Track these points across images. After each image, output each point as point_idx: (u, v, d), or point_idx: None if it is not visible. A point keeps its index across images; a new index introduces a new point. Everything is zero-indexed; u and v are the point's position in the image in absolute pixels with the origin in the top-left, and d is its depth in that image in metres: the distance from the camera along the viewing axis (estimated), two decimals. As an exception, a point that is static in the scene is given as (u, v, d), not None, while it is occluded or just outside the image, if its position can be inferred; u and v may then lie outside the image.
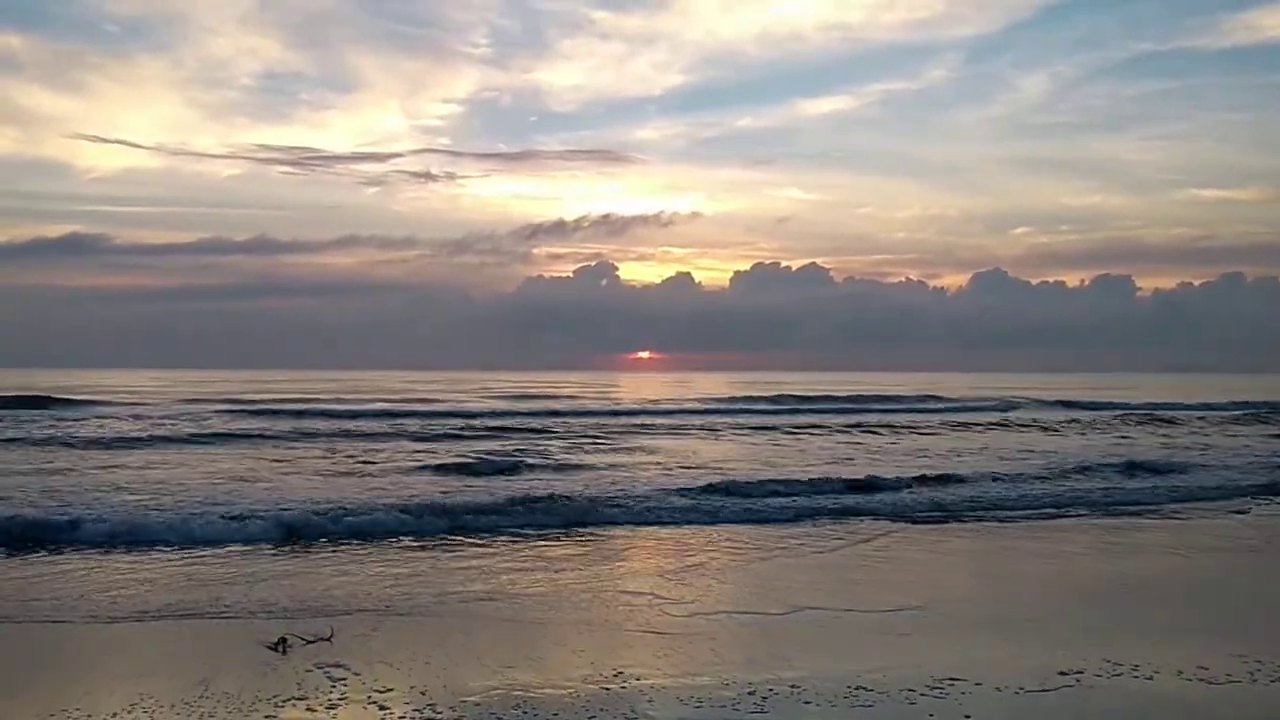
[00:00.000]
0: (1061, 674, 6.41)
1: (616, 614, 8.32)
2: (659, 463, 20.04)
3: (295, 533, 11.54)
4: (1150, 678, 6.36)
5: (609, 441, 25.42)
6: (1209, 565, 11.10)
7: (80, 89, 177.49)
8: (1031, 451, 23.72)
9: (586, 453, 22.27)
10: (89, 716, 5.64)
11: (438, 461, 19.23)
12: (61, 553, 10.47)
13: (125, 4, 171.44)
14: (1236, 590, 9.71)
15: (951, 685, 6.15)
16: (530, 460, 19.82)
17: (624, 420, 33.21)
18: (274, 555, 10.64)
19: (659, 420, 33.78)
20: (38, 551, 10.48)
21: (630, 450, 23.21)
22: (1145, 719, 5.74)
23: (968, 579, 10.30)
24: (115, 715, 5.66)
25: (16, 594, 8.77)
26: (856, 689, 6.10)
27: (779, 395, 51.55)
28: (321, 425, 28.20)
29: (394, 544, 11.34)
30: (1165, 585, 9.98)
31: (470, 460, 19.22)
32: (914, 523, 13.30)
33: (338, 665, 6.56)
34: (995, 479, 17.22)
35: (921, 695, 5.98)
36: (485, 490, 15.13)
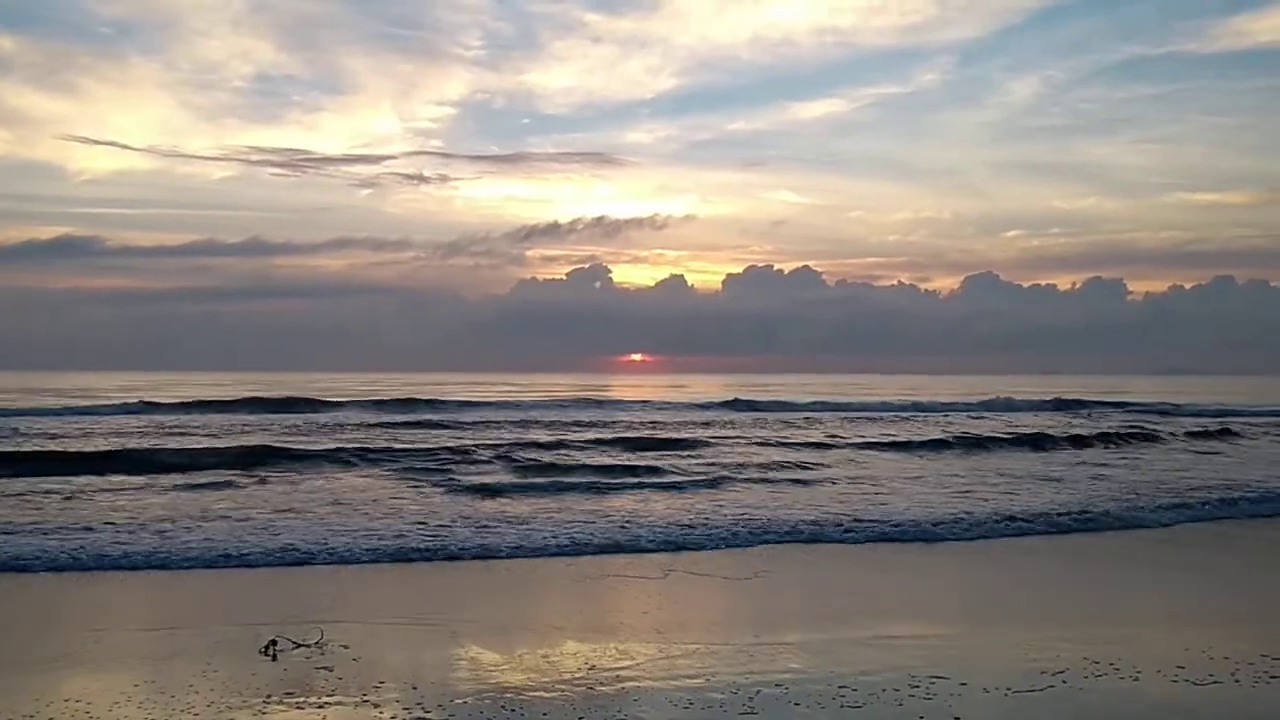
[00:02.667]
0: (1046, 674, 6.47)
1: (612, 618, 8.36)
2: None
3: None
4: (1135, 679, 6.42)
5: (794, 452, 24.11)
6: (1193, 571, 11.19)
7: (72, 90, 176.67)
8: None
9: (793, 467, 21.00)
10: (89, 709, 5.73)
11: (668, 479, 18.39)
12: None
13: (117, 5, 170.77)
14: (1219, 595, 9.77)
15: (940, 688, 6.20)
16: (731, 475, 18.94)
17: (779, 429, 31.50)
18: (268, 559, 10.66)
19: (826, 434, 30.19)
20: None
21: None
22: (1133, 718, 5.80)
23: (954, 586, 10.36)
24: (113, 708, 5.74)
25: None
26: (844, 689, 6.14)
27: (900, 403, 48.15)
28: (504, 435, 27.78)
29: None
30: (1149, 590, 10.06)
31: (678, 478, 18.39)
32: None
33: (329, 667, 6.59)
34: None
35: (910, 696, 6.02)
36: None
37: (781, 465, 21.12)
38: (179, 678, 6.34)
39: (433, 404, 42.58)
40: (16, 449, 21.76)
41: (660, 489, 16.99)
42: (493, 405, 42.45)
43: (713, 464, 21.17)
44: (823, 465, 21.46)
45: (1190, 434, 30.65)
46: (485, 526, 12.69)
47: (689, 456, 23.02)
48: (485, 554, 11.13)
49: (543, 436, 27.67)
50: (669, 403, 46.95)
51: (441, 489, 16.78)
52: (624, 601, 9.11)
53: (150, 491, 15.89)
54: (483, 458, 21.73)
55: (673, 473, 19.44)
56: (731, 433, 30.29)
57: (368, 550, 11.12)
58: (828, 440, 27.61)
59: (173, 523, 12.70)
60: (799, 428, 32.92)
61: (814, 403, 48.67)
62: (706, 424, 34.43)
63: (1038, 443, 27.31)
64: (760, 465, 20.97)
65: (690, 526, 12.88)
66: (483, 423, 33.08)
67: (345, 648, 7.10)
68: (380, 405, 41.20)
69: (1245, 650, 7.07)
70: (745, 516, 13.67)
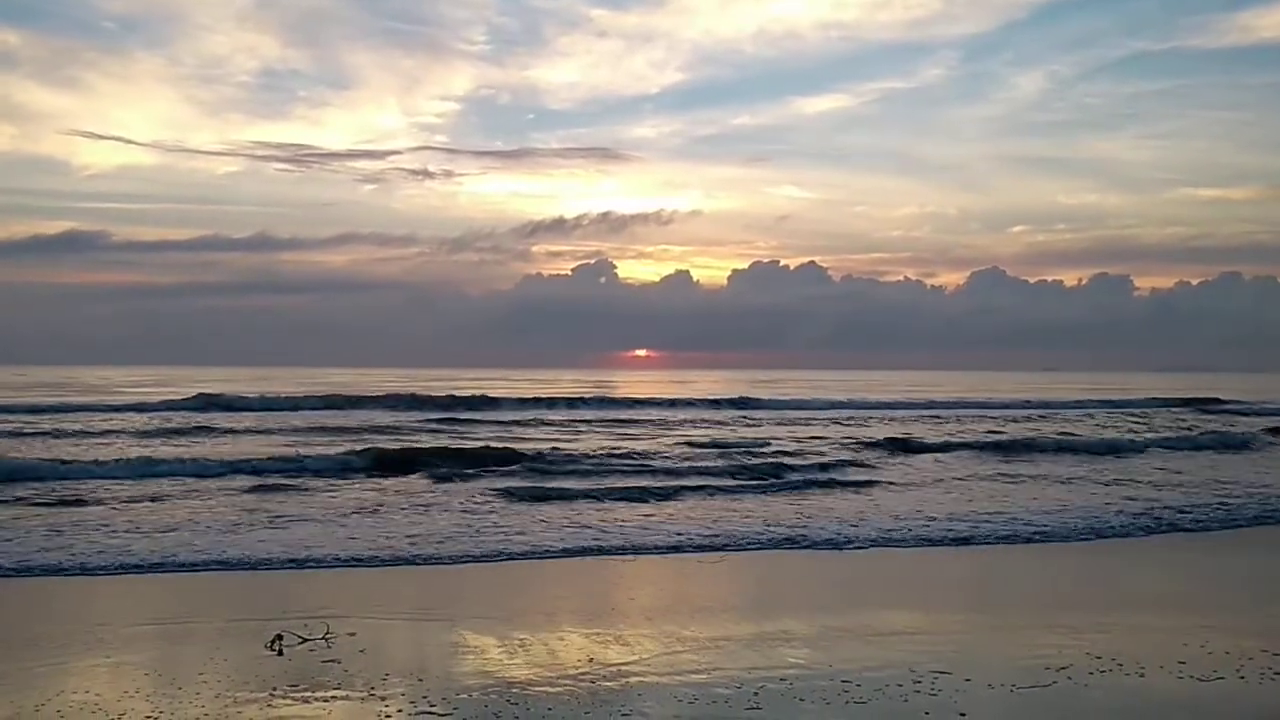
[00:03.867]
0: (1050, 670, 6.47)
1: (617, 613, 8.38)
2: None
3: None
4: (1140, 674, 6.42)
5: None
6: (1196, 567, 11.18)
7: (77, 85, 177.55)
8: None
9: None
10: (98, 700, 5.81)
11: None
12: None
13: (122, 1, 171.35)
14: (1223, 591, 9.76)
15: (944, 684, 6.21)
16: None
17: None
18: (267, 559, 10.71)
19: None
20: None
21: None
22: (1138, 715, 5.80)
23: (956, 585, 10.37)
24: (120, 700, 5.81)
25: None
26: (848, 685, 6.16)
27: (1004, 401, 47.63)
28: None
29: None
30: (1152, 587, 10.06)
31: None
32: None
33: (335, 660, 6.62)
34: None
35: (914, 692, 6.03)
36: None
37: (838, 466, 20.73)
38: (187, 671, 6.39)
39: (450, 402, 41.98)
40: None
41: (678, 492, 16.60)
42: (513, 403, 41.81)
43: (747, 465, 20.32)
44: (874, 466, 21.01)
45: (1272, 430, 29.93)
46: (503, 527, 12.70)
47: (721, 456, 22.19)
48: (501, 556, 11.13)
49: (566, 436, 27.44)
50: (688, 400, 46.22)
51: (466, 490, 16.43)
52: (628, 598, 9.14)
53: (172, 493, 15.96)
54: (508, 458, 21.08)
55: (699, 474, 18.80)
56: (760, 432, 29.47)
57: (377, 552, 11.13)
58: (872, 439, 26.83)
59: (193, 524, 12.79)
60: (841, 425, 32.47)
61: (852, 400, 48.38)
62: (728, 423, 33.95)
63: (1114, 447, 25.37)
64: (816, 467, 20.33)
65: (713, 529, 12.76)
66: (503, 421, 32.77)
67: (352, 634, 7.18)
68: (395, 403, 40.82)
69: (1249, 646, 7.07)
70: (777, 521, 13.45)
